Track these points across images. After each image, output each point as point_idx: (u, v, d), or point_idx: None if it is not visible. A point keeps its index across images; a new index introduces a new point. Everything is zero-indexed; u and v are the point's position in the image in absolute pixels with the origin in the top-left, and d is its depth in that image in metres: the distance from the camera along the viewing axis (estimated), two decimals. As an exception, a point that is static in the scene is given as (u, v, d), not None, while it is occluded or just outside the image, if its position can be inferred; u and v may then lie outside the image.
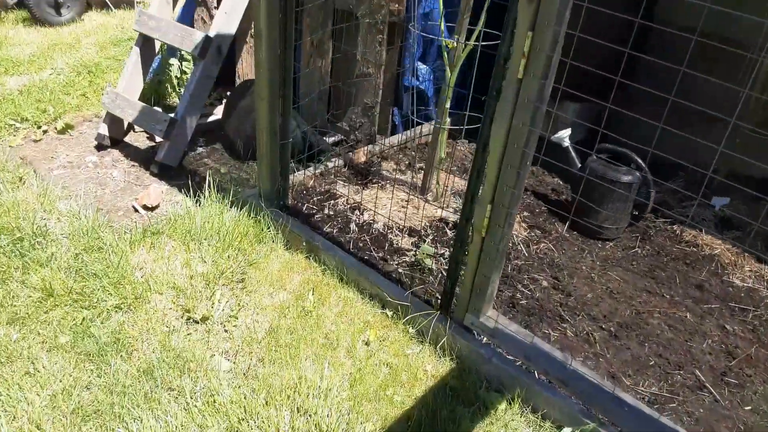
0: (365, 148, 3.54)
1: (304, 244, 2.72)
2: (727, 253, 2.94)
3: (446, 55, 2.72)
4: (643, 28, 3.34)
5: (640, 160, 2.94)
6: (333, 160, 3.41)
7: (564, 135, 3.15)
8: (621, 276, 2.80)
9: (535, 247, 2.91)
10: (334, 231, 2.81)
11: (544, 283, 2.69)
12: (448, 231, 2.87)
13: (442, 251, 2.74)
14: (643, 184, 2.95)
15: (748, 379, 2.28)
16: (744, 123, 3.22)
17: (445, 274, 2.60)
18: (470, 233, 2.11)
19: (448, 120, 2.83)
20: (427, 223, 2.90)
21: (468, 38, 2.68)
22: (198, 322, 2.36)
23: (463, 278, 2.20)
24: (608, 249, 3.01)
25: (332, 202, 3.00)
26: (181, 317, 2.39)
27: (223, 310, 2.42)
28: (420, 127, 3.81)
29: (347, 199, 3.01)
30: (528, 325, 2.43)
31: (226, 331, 2.35)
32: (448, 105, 2.80)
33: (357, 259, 2.60)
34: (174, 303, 2.44)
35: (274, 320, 2.38)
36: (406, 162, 3.54)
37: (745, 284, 2.78)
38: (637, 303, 2.64)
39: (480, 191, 2.03)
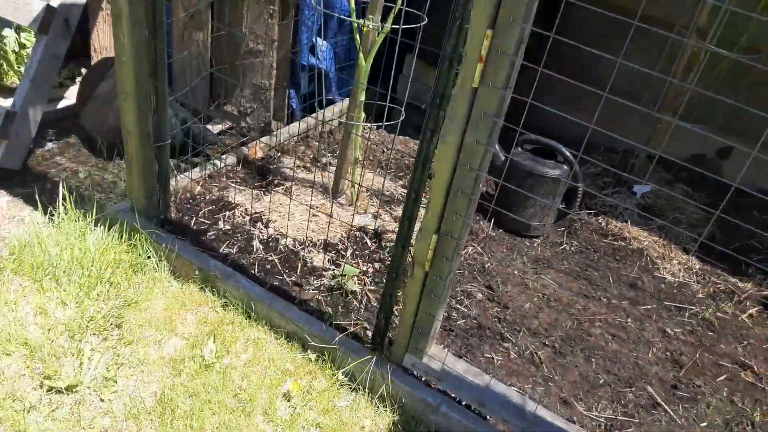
0: (261, 140, 3.03)
1: (196, 272, 2.21)
2: (654, 246, 2.84)
3: (358, 39, 2.28)
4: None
5: (567, 152, 2.72)
6: (223, 157, 2.87)
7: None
8: (555, 279, 2.59)
9: (463, 252, 2.61)
10: (234, 252, 2.32)
11: (479, 296, 2.41)
12: (368, 241, 2.49)
13: (366, 267, 2.35)
14: (572, 177, 2.74)
15: (699, 390, 2.16)
16: (664, 105, 3.11)
17: (371, 298, 2.23)
18: (408, 264, 1.74)
19: (363, 115, 2.41)
20: (344, 234, 2.50)
21: (384, 19, 2.25)
22: (63, 392, 1.81)
23: (401, 314, 1.84)
24: (537, 248, 2.79)
25: (227, 213, 2.49)
26: (40, 386, 1.82)
27: (95, 370, 1.88)
28: (322, 111, 3.35)
29: (246, 209, 2.52)
30: (469, 350, 2.15)
31: (102, 401, 1.82)
32: (362, 98, 2.37)
33: (266, 289, 2.15)
34: (28, 367, 1.86)
35: (165, 380, 1.88)
36: (311, 155, 3.07)
37: (677, 279, 2.69)
38: (576, 311, 2.44)
39: (420, 217, 1.66)
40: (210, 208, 2.51)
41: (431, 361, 1.87)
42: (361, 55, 2.30)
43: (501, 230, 2.86)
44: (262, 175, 2.79)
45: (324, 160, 3.03)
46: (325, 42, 3.25)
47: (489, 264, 2.59)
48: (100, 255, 2.21)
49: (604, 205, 3.06)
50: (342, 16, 3.22)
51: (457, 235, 1.60)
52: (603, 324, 2.40)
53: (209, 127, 3.21)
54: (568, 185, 2.77)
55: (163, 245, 2.24)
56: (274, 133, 3.20)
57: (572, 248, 2.82)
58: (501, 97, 1.41)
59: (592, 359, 2.24)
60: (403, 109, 2.45)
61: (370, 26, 2.20)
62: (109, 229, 2.30)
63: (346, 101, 3.52)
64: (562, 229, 2.94)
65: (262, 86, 3.15)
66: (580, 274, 2.66)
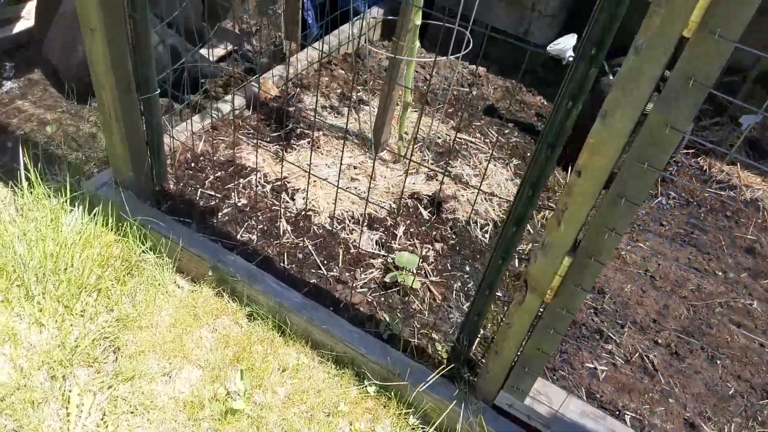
0: (273, 72, 2.38)
1: (209, 272, 1.68)
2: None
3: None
4: None
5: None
6: (227, 98, 2.24)
7: (566, 45, 2.19)
8: (655, 248, 2.07)
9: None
10: (255, 239, 1.78)
11: (567, 278, 1.89)
12: (424, 212, 1.94)
13: (424, 251, 1.83)
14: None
15: None
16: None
17: (436, 294, 1.72)
18: (511, 283, 1.21)
19: (417, 43, 1.75)
20: (392, 204, 1.94)
21: None
22: (47, 458, 1.36)
23: (497, 343, 1.33)
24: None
25: (241, 181, 1.92)
26: (14, 448, 1.37)
27: (87, 420, 1.41)
28: (346, 25, 2.65)
29: (265, 174, 1.94)
30: (565, 359, 1.67)
31: (100, 467, 1.37)
32: (418, 20, 1.72)
33: (302, 294, 1.63)
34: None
35: (181, 432, 1.42)
36: (338, 90, 2.43)
37: (807, 241, 2.17)
38: (689, 292, 1.94)
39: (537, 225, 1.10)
40: (218, 174, 1.93)
41: (535, 402, 1.39)
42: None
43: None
44: (280, 121, 2.18)
45: (355, 96, 2.40)
46: (346, -66, 2.50)
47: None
48: (81, 250, 1.67)
49: (703, 141, 2.46)
50: None
51: (604, 258, 1.06)
52: (724, 309, 1.91)
53: (205, 52, 2.54)
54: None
55: (163, 234, 1.70)
56: (289, 60, 2.53)
57: (670, 202, 2.27)
58: (726, 52, 0.81)
59: (717, 360, 1.77)
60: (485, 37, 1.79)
61: None
62: (90, 212, 1.75)
63: (376, 11, 2.81)
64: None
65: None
66: (685, 239, 2.13)
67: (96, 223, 1.74)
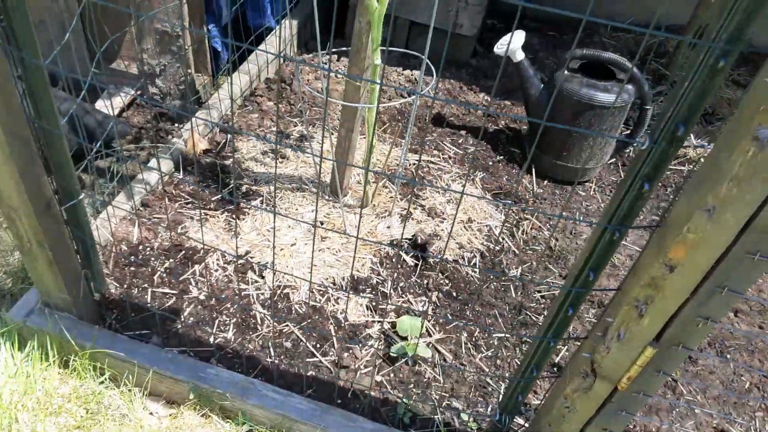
0: (194, 120, 2.05)
1: (190, 394, 1.41)
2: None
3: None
4: None
5: (632, 66, 2.00)
6: (151, 165, 1.91)
7: (515, 45, 2.03)
8: (638, 243, 2.02)
9: (521, 234, 1.94)
10: (231, 337, 1.52)
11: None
12: (408, 260, 1.75)
13: (421, 304, 1.65)
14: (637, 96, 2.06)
15: None
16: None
17: (445, 355, 1.56)
18: (585, 372, 1.06)
19: (378, 61, 1.53)
20: (372, 258, 1.73)
21: None
22: None
23: (549, 425, 1.19)
24: (596, 196, 2.17)
25: (196, 267, 1.63)
26: None
27: None
28: (262, 44, 2.34)
29: (223, 253, 1.66)
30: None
31: None
32: (377, 59, 1.49)
33: (304, 396, 1.41)
34: None
35: None
36: (272, 127, 2.14)
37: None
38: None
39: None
40: (167, 264, 1.63)
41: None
42: (366, -10, 1.38)
43: (546, 181, 2.19)
44: (218, 180, 1.89)
45: (294, 132, 2.13)
46: (246, -55, 2.17)
47: (556, 241, 1.95)
48: (17, 402, 1.35)
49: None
50: None
51: (693, 344, 0.93)
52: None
53: (103, 104, 2.16)
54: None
55: (121, 360, 1.40)
56: (206, 100, 2.21)
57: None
58: None
59: (727, 355, 1.75)
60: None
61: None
62: (21, 349, 1.42)
63: (288, 25, 2.52)
64: (613, 160, 2.32)
65: (170, 31, 2.09)
66: (662, 226, 2.09)
67: (32, 365, 1.41)
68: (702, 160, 1.96)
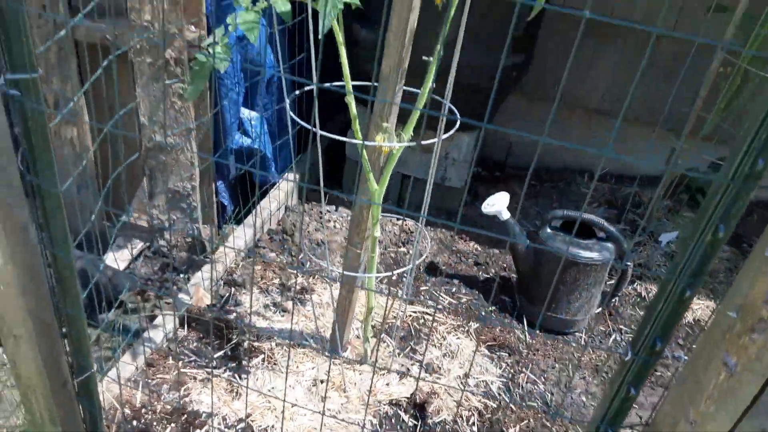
0: (200, 274, 2.15)
1: None
2: (708, 311, 2.40)
3: (365, 158, 1.51)
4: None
5: (612, 228, 2.16)
6: (157, 323, 1.97)
7: (499, 204, 2.21)
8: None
9: (517, 389, 1.99)
10: (231, 507, 1.50)
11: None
12: (407, 419, 1.78)
13: (421, 470, 1.65)
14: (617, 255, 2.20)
15: None
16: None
17: None
18: None
19: (376, 254, 1.65)
20: (372, 419, 1.76)
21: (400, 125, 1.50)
22: None
23: None
24: (587, 348, 2.24)
25: None
26: None
27: None
28: (264, 197, 2.50)
29: (224, 417, 1.69)
30: None
31: None
32: (377, 232, 1.62)
33: None
34: None
35: None
36: (276, 281, 2.24)
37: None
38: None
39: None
40: (169, 430, 1.64)
41: None
42: (371, 176, 1.54)
43: (537, 331, 2.27)
44: (222, 335, 1.95)
45: (296, 285, 2.23)
46: (253, 113, 2.40)
47: (552, 395, 1.99)
48: None
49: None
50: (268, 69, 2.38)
51: None
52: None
53: (113, 257, 2.26)
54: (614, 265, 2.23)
55: None
56: (211, 251, 2.33)
57: (626, 338, 2.30)
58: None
59: None
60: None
61: (386, 144, 1.44)
62: None
63: (291, 179, 2.71)
64: (599, 309, 2.42)
65: (181, 191, 2.25)
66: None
67: None
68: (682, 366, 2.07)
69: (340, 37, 1.32)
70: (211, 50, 1.26)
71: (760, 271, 0.74)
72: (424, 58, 1.38)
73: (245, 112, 2.36)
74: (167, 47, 1.92)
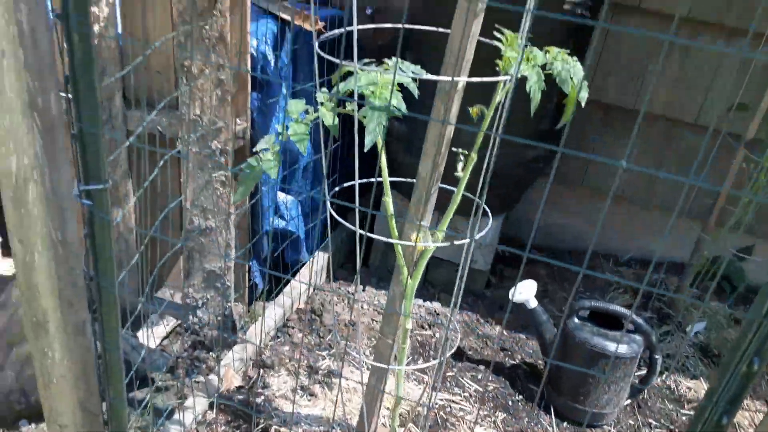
0: (232, 354, 2.19)
1: None
2: (745, 413, 2.35)
3: (400, 252, 1.57)
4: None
5: (640, 320, 2.17)
6: (188, 404, 2.00)
7: (527, 293, 2.25)
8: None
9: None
10: None
11: None
12: None
13: None
14: (647, 346, 2.19)
15: None
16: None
17: None
18: None
19: (406, 345, 1.69)
20: None
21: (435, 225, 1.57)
22: None
23: None
24: (616, 441, 2.20)
25: None
26: None
27: None
28: (295, 277, 2.57)
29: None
30: None
31: None
32: (409, 325, 1.66)
33: None
34: None
35: None
36: (303, 361, 2.28)
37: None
38: None
39: None
40: None
41: None
42: (404, 270, 1.59)
43: (565, 423, 2.24)
44: (249, 420, 1.97)
45: (323, 367, 2.25)
46: (289, 197, 2.50)
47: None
48: None
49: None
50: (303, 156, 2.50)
51: None
52: None
53: (147, 335, 2.32)
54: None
55: None
56: (241, 327, 2.37)
57: (654, 431, 2.26)
58: None
59: None
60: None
61: (421, 243, 1.51)
62: None
63: (320, 258, 2.77)
64: (629, 401, 2.38)
65: (217, 271, 2.32)
66: (684, 476, 2.10)
67: None
68: None
69: (381, 145, 1.41)
70: (262, 156, 1.36)
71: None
72: (460, 154, 1.46)
73: (281, 196, 2.47)
74: (214, 139, 2.05)
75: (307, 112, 1.36)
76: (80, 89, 0.95)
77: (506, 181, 2.70)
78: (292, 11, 2.28)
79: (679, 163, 3.06)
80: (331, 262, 2.82)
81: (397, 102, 1.28)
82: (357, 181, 1.36)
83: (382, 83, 1.27)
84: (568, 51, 2.48)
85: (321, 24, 2.22)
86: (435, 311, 2.72)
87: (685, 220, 3.01)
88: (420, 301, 2.78)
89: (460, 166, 1.51)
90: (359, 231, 1.45)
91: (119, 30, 2.04)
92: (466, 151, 1.48)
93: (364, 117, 1.23)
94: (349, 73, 1.32)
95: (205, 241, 2.29)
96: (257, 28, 2.18)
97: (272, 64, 2.23)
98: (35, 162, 0.95)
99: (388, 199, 1.52)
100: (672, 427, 2.28)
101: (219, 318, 2.41)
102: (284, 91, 2.30)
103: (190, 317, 2.44)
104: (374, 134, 1.23)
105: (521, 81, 1.30)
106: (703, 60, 2.80)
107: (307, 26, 2.23)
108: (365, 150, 1.23)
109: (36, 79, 0.87)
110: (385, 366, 1.71)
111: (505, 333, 2.69)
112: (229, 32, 1.99)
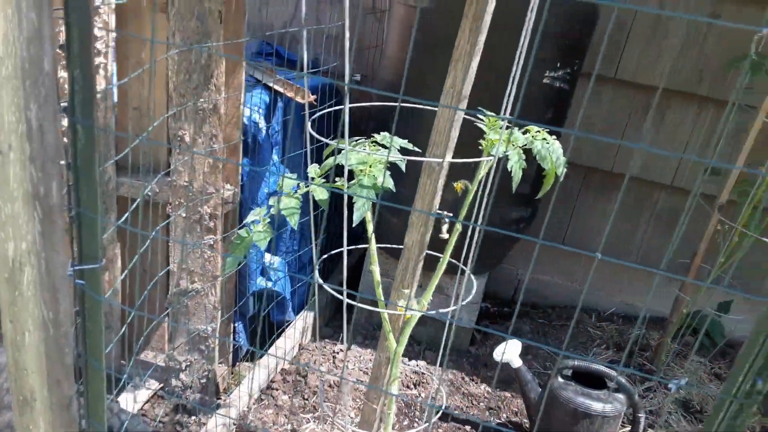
0: (215, 420, 2.16)
1: None
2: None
3: (386, 320, 1.60)
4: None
5: (622, 379, 2.20)
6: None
7: (511, 352, 2.27)
8: None
9: None
10: None
11: None
12: None
13: None
14: (630, 405, 2.21)
15: None
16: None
17: None
18: None
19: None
20: None
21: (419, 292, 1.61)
22: None
23: None
24: (603, 504, 2.19)
25: None
26: None
27: None
28: (279, 339, 2.56)
29: None
30: None
31: None
32: (394, 387, 1.67)
33: None
34: None
35: None
36: (288, 427, 2.25)
37: None
38: None
39: None
40: None
41: None
42: (390, 337, 1.61)
43: (552, 485, 2.23)
44: (234, 488, 1.93)
45: (308, 431, 2.23)
46: (276, 257, 2.52)
47: None
48: None
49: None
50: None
51: None
52: None
53: (129, 398, 2.28)
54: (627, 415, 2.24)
55: None
56: (224, 398, 2.35)
57: (641, 494, 2.26)
58: None
59: None
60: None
61: (405, 310, 1.54)
62: None
63: (306, 317, 2.78)
64: (615, 462, 2.38)
65: (202, 333, 2.31)
66: None
67: None
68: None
69: (370, 228, 1.46)
70: (253, 227, 1.39)
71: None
72: (444, 217, 1.51)
73: (268, 257, 2.49)
74: (204, 204, 2.08)
75: (299, 185, 1.41)
76: (81, 176, 0.98)
77: (490, 242, 2.76)
78: (282, 83, 2.36)
79: (655, 223, 3.16)
80: (317, 322, 2.82)
81: (385, 181, 1.33)
82: (345, 248, 1.39)
83: (371, 162, 1.32)
84: (550, 117, 2.58)
85: (312, 97, 2.30)
86: (420, 370, 2.72)
87: (663, 277, 3.08)
88: (405, 360, 2.78)
89: (444, 228, 1.56)
90: (346, 300, 1.47)
91: (115, 99, 2.09)
92: (450, 213, 1.53)
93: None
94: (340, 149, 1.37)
95: (190, 304, 2.29)
96: (250, 98, 2.25)
97: (263, 132, 2.29)
98: (32, 247, 0.97)
99: (375, 268, 1.56)
100: (658, 488, 2.28)
101: (202, 381, 2.38)
102: (275, 157, 2.35)
103: (173, 380, 2.41)
104: (362, 210, 1.27)
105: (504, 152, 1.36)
106: (677, 126, 2.93)
107: (299, 99, 2.31)
108: (353, 225, 1.27)
109: (39, 170, 0.90)
110: (372, 434, 1.70)
111: (490, 391, 2.69)
112: (222, 105, 2.06)
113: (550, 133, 1.46)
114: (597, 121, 3.02)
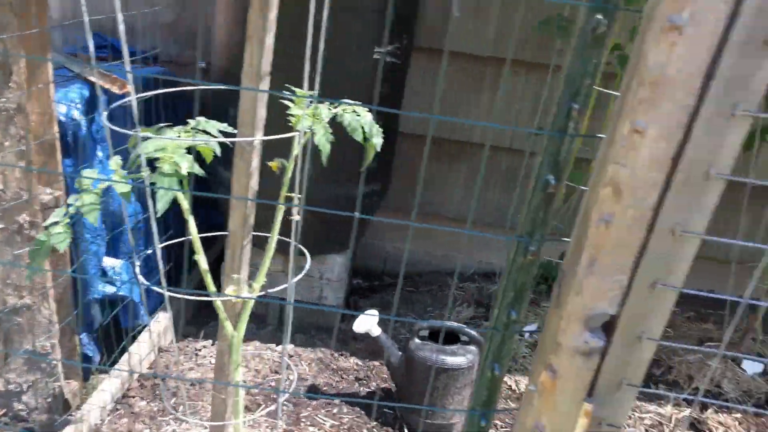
0: (63, 438, 2.03)
1: None
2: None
3: (220, 308, 1.57)
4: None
5: (472, 332, 2.33)
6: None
7: (368, 322, 2.32)
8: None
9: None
10: None
11: None
12: None
13: None
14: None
15: None
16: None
17: None
18: None
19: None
20: None
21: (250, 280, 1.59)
22: None
23: None
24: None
25: None
26: None
27: None
28: (133, 345, 2.44)
29: None
30: None
31: None
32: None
33: None
34: None
35: None
36: (147, 433, 2.16)
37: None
38: None
39: None
40: None
41: None
42: (227, 324, 1.59)
43: (417, 438, 2.34)
44: (88, 506, 1.83)
45: (170, 433, 2.15)
46: (117, 261, 2.39)
47: None
48: None
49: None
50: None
51: None
52: None
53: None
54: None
55: None
56: (75, 407, 2.20)
57: (501, 435, 2.43)
58: None
59: None
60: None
61: (235, 296, 1.52)
62: None
63: (162, 318, 2.67)
64: (477, 410, 2.53)
65: (40, 350, 2.15)
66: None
67: None
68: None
69: (185, 205, 1.41)
70: (51, 230, 1.30)
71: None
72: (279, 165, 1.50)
73: (108, 261, 2.35)
74: (22, 212, 1.91)
75: (99, 181, 1.33)
76: None
77: (346, 218, 2.79)
78: (99, 74, 2.21)
79: (502, 183, 3.36)
80: (176, 321, 2.72)
81: (191, 166, 1.29)
82: (158, 244, 1.35)
83: (172, 148, 1.28)
84: (386, 92, 2.63)
85: (128, 87, 2.18)
86: (289, 354, 2.72)
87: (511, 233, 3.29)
88: (273, 345, 2.76)
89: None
90: (167, 293, 1.43)
91: None
92: (285, 161, 1.51)
93: (153, 183, 1.23)
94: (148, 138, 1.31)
95: (22, 321, 2.11)
96: (67, 94, 2.09)
97: (84, 129, 2.14)
98: None
99: (200, 256, 1.52)
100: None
101: (48, 400, 2.22)
102: (100, 154, 2.21)
103: (15, 404, 2.22)
104: (165, 200, 1.23)
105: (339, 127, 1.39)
106: (508, 92, 3.12)
107: (115, 89, 2.17)
108: (158, 216, 1.22)
109: None
110: (222, 423, 1.68)
111: (360, 363, 2.75)
112: (28, 102, 1.89)
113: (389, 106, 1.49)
114: (436, 92, 3.14)
